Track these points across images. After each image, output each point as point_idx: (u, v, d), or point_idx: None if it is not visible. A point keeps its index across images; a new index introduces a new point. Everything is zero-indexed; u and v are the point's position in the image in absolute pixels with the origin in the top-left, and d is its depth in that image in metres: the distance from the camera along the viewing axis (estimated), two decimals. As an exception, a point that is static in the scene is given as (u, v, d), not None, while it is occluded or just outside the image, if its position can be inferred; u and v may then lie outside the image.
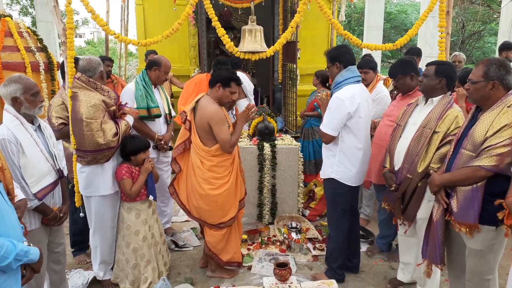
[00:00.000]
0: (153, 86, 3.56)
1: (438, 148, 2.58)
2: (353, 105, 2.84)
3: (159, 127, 3.62)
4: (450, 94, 2.71)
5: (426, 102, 2.76)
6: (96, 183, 2.92)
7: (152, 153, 3.54)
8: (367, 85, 4.07)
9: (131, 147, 2.93)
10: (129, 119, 3.03)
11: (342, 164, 2.97)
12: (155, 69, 3.51)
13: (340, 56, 2.94)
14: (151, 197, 3.01)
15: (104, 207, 2.97)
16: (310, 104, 5.00)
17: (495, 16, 15.95)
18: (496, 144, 2.10)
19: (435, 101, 2.68)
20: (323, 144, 3.08)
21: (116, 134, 2.82)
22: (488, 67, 2.20)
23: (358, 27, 17.36)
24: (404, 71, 3.19)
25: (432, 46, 7.90)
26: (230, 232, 3.21)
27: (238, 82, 3.03)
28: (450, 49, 3.69)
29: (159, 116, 3.53)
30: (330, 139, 2.94)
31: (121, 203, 3.01)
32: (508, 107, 2.14)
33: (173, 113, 3.80)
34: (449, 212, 2.34)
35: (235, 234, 3.26)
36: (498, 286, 2.38)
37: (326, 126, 2.91)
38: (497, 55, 6.75)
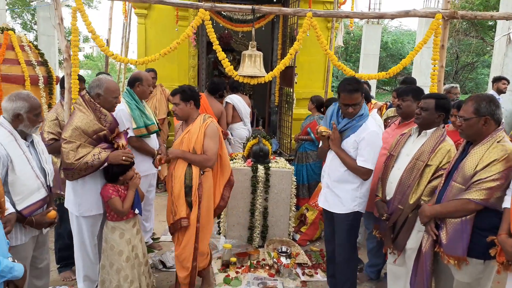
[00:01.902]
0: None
1: (429, 181, 2.59)
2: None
3: (154, 142, 3.67)
4: (443, 127, 2.75)
5: (419, 134, 2.79)
6: (76, 200, 2.88)
7: (152, 169, 3.58)
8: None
9: (120, 169, 2.85)
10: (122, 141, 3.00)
11: (364, 195, 2.96)
12: (138, 85, 3.52)
13: (363, 88, 2.94)
14: (136, 211, 2.94)
15: (83, 226, 2.93)
16: (304, 128, 5.06)
17: (488, 48, 16.36)
18: (485, 178, 2.14)
19: (429, 133, 2.71)
20: (337, 177, 2.96)
21: (80, 158, 2.71)
22: (479, 103, 2.25)
23: (355, 54, 17.69)
24: (418, 97, 3.09)
25: (426, 75, 8.04)
26: None
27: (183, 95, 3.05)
28: (444, 79, 3.77)
29: (157, 131, 3.58)
30: (371, 174, 2.89)
31: (106, 223, 2.93)
32: (497, 142, 2.19)
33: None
34: (439, 244, 2.35)
35: None
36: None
37: (372, 162, 2.83)
38: (489, 86, 6.92)
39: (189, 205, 3.04)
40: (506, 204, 2.08)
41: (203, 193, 3.06)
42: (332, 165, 3.00)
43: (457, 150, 2.52)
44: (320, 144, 3.19)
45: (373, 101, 5.49)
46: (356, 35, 18.03)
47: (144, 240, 3.17)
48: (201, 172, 3.05)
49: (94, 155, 2.69)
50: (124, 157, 2.79)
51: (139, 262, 2.99)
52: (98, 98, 2.81)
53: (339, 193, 2.96)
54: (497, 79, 6.33)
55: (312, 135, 4.88)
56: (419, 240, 2.63)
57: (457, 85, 5.76)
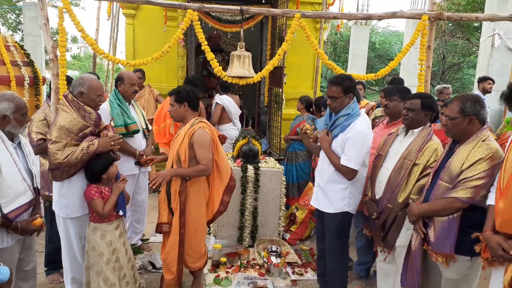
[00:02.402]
0: (127, 103, 3.60)
1: (417, 180, 2.63)
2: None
3: (139, 142, 3.64)
4: (430, 126, 2.79)
5: (406, 133, 2.82)
6: (62, 202, 2.85)
7: (134, 169, 3.52)
8: None
9: (100, 166, 2.80)
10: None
11: (353, 195, 2.96)
12: (119, 84, 3.54)
13: (354, 87, 2.94)
14: (120, 212, 2.89)
15: (70, 228, 2.91)
16: (294, 128, 5.08)
17: (474, 49, 16.61)
18: (471, 176, 2.18)
19: (415, 132, 2.75)
20: (327, 177, 2.97)
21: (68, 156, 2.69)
22: (464, 103, 2.29)
23: (344, 54, 17.81)
24: (404, 97, 3.09)
25: (414, 76, 8.11)
26: None
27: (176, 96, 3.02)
28: (430, 79, 3.82)
29: (137, 131, 3.54)
30: (355, 175, 2.86)
31: (88, 223, 2.89)
32: (482, 141, 2.23)
33: (149, 127, 3.84)
34: (427, 242, 2.39)
35: None
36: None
37: (355, 162, 2.80)
38: (475, 86, 7.04)
39: (171, 211, 3.04)
40: (490, 201, 2.12)
41: (190, 199, 3.02)
42: (323, 165, 3.04)
43: (444, 149, 2.56)
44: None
45: (365, 101, 5.55)
46: (344, 35, 18.16)
47: (129, 243, 3.11)
48: (186, 178, 3.01)
49: (82, 149, 2.67)
50: (112, 142, 2.77)
51: (119, 266, 2.92)
52: (81, 96, 2.79)
53: (329, 193, 2.98)
54: (482, 79, 6.45)
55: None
56: (408, 238, 2.66)
57: (449, 86, 5.87)
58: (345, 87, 2.86)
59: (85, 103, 2.78)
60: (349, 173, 2.85)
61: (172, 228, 3.03)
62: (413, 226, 2.50)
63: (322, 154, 3.06)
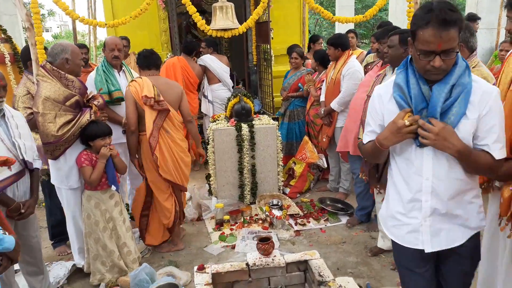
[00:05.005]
0: (115, 70, 3.53)
1: None
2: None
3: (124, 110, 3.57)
4: None
5: (393, 71, 2.80)
6: (61, 175, 2.86)
7: (123, 138, 3.49)
8: (336, 62, 4.09)
9: (89, 132, 2.80)
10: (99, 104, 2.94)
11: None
12: (103, 50, 3.52)
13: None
14: (113, 187, 2.89)
15: (72, 199, 2.92)
16: (293, 84, 4.95)
17: (462, -9, 16.25)
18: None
19: None
20: (452, 190, 1.60)
21: (63, 127, 2.70)
22: None
23: (330, 7, 17.37)
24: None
25: (402, 22, 7.98)
26: None
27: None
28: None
29: (121, 98, 3.43)
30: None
31: (83, 191, 2.90)
32: (472, 67, 2.23)
33: None
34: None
35: None
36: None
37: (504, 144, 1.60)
38: (465, 27, 6.90)
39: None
40: None
41: (143, 157, 3.24)
42: (444, 176, 1.60)
43: None
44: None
45: (358, 50, 5.45)
46: (330, -12, 17.67)
47: (127, 213, 3.13)
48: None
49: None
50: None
51: (117, 235, 2.95)
52: (67, 63, 2.72)
53: (462, 212, 1.66)
54: (470, 19, 6.31)
55: (303, 89, 4.82)
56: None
57: None
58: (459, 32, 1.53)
59: (71, 69, 2.74)
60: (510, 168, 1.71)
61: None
62: None
63: (429, 160, 1.59)
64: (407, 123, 1.51)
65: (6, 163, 2.01)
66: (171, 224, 3.30)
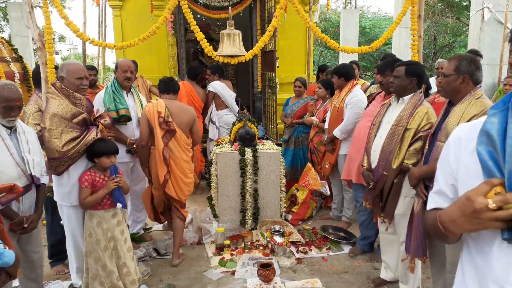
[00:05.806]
0: (124, 92, 3.63)
1: (410, 145, 2.65)
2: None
3: (132, 131, 3.64)
4: (420, 92, 2.80)
5: (398, 101, 2.85)
6: (63, 191, 2.86)
7: (126, 157, 3.53)
8: (340, 91, 4.16)
9: (96, 149, 2.82)
10: (106, 123, 2.97)
11: None
12: (115, 71, 3.65)
13: None
14: (119, 205, 2.87)
15: (73, 216, 2.90)
16: (297, 112, 5.02)
17: (464, 29, 16.64)
18: (468, 134, 2.13)
19: (406, 99, 2.78)
20: None
21: (68, 143, 2.72)
22: (460, 62, 2.31)
23: (335, 40, 17.75)
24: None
25: (406, 56, 8.15)
26: None
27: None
28: (423, 61, 3.82)
29: (127, 117, 3.53)
30: None
31: (86, 210, 2.88)
32: (476, 99, 2.26)
33: None
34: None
35: None
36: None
37: None
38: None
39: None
40: None
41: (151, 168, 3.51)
42: None
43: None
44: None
45: (361, 80, 5.54)
46: (334, 21, 18.10)
47: (128, 233, 3.07)
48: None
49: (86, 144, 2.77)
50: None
51: (118, 254, 2.91)
52: (62, 81, 2.80)
53: None
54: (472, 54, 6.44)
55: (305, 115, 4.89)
56: (406, 206, 2.69)
57: (444, 60, 5.85)
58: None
59: (67, 87, 2.79)
60: None
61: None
62: (415, 190, 2.50)
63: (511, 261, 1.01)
64: (493, 205, 0.87)
65: (12, 189, 2.01)
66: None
